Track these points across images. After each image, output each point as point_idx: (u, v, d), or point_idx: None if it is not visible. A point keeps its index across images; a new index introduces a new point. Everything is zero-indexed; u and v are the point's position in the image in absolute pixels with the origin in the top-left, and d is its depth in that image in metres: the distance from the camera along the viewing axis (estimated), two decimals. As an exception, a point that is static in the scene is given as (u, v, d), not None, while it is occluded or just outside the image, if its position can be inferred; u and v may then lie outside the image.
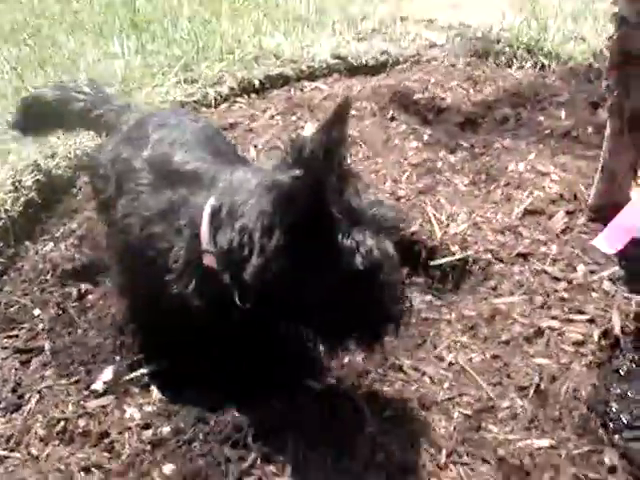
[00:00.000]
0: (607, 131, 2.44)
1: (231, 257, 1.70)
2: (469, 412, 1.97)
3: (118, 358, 2.11)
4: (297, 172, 1.51)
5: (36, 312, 2.35)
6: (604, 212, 2.59)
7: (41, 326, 2.29)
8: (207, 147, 2.03)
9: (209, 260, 1.77)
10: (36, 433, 1.94)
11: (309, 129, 3.16)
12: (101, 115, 2.33)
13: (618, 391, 2.16)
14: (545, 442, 1.90)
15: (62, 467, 1.87)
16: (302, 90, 3.61)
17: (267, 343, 1.99)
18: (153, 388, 2.04)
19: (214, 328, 1.88)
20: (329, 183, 1.54)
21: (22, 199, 2.84)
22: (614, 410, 2.10)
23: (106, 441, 1.92)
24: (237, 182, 1.81)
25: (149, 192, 1.92)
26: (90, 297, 2.40)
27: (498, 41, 4.25)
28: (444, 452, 1.85)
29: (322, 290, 1.60)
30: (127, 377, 2.06)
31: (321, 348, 2.02)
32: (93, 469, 1.87)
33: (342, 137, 1.58)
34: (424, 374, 2.07)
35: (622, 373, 2.21)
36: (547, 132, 3.20)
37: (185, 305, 1.83)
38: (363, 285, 1.61)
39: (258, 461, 1.83)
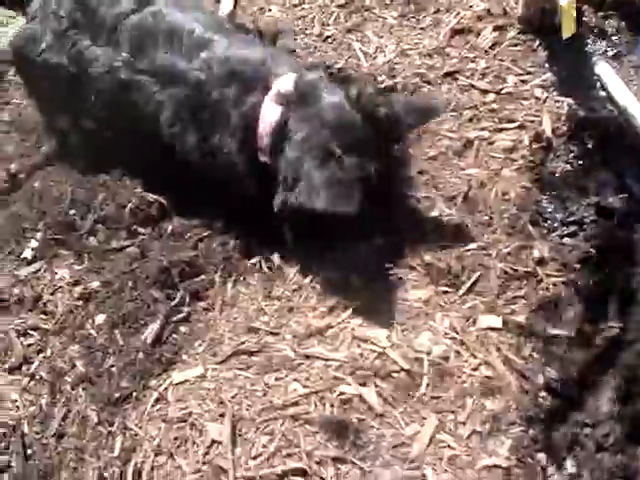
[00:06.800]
0: None
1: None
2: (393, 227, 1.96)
3: (42, 225, 2.08)
4: None
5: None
6: (534, 22, 2.50)
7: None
8: None
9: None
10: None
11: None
12: None
13: (553, 192, 2.13)
14: (474, 245, 1.89)
15: (1, 335, 1.90)
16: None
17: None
18: (83, 246, 2.03)
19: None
20: None
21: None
22: (549, 210, 2.08)
23: (40, 304, 1.93)
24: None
25: None
26: (21, 176, 2.36)
27: None
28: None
29: None
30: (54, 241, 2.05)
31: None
32: (31, 332, 1.89)
33: None
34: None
35: (557, 174, 2.18)
36: (483, -43, 3.05)
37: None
38: None
39: (187, 298, 1.84)
